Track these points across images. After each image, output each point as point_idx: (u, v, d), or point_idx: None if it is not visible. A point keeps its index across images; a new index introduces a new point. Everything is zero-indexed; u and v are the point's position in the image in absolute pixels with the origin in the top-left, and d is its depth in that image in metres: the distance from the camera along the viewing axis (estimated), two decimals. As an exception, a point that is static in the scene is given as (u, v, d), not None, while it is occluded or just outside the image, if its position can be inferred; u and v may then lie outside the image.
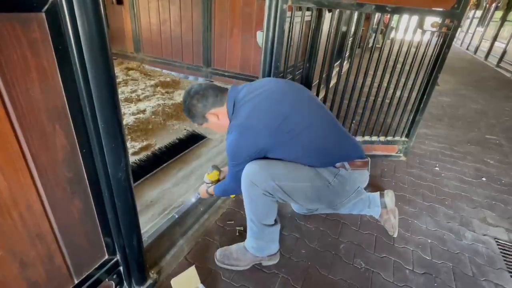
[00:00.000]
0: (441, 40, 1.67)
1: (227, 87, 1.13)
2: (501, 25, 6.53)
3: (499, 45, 6.53)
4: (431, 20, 1.61)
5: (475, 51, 7.77)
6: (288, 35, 1.62)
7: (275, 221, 1.16)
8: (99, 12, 0.61)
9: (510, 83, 5.12)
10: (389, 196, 1.38)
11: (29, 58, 0.56)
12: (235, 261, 1.18)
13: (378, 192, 1.40)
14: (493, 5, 7.40)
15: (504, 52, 6.11)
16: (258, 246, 1.16)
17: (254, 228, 1.14)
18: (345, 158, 1.08)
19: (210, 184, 1.38)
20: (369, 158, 1.13)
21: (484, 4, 8.45)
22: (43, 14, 0.56)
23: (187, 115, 1.13)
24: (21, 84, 0.56)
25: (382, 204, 1.36)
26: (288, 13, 1.51)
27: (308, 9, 1.59)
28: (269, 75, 1.66)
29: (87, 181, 0.74)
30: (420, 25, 1.59)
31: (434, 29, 1.63)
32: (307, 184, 1.05)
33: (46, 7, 0.55)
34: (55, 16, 0.57)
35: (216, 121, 1.09)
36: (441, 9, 1.54)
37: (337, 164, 1.08)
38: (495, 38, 6.70)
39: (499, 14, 6.89)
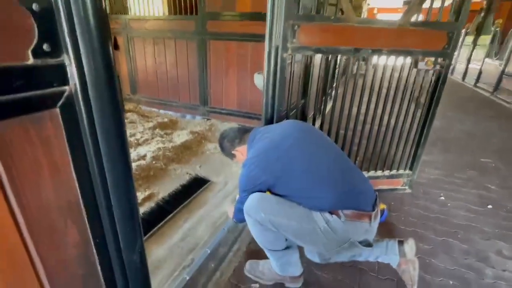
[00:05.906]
0: (435, 77, 1.73)
1: (251, 127, 1.40)
2: (473, 49, 7.04)
3: (473, 67, 6.96)
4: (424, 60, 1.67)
5: (451, 73, 8.21)
6: (290, 79, 1.65)
7: (287, 247, 1.22)
8: (117, 101, 0.58)
9: (489, 102, 5.39)
10: (409, 245, 1.30)
11: (41, 158, 0.50)
12: (260, 273, 1.31)
13: (397, 239, 1.34)
14: (463, 31, 7.96)
15: (480, 73, 6.49)
16: (277, 265, 1.25)
17: (265, 251, 1.24)
18: (350, 206, 1.08)
19: None
20: (371, 212, 1.10)
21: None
22: (58, 109, 0.51)
23: (222, 152, 1.44)
24: (34, 188, 0.50)
25: (401, 252, 1.29)
26: (289, 56, 1.53)
27: (305, 53, 1.62)
28: (272, 117, 1.66)
29: (101, 275, 0.66)
30: (415, 64, 1.64)
31: (429, 68, 1.69)
32: (293, 223, 1.09)
33: (60, 102, 0.51)
34: (70, 109, 0.53)
35: (240, 156, 1.34)
36: (433, 50, 1.61)
37: (333, 211, 1.08)
38: (469, 61, 7.18)
39: (470, 38, 7.42)
